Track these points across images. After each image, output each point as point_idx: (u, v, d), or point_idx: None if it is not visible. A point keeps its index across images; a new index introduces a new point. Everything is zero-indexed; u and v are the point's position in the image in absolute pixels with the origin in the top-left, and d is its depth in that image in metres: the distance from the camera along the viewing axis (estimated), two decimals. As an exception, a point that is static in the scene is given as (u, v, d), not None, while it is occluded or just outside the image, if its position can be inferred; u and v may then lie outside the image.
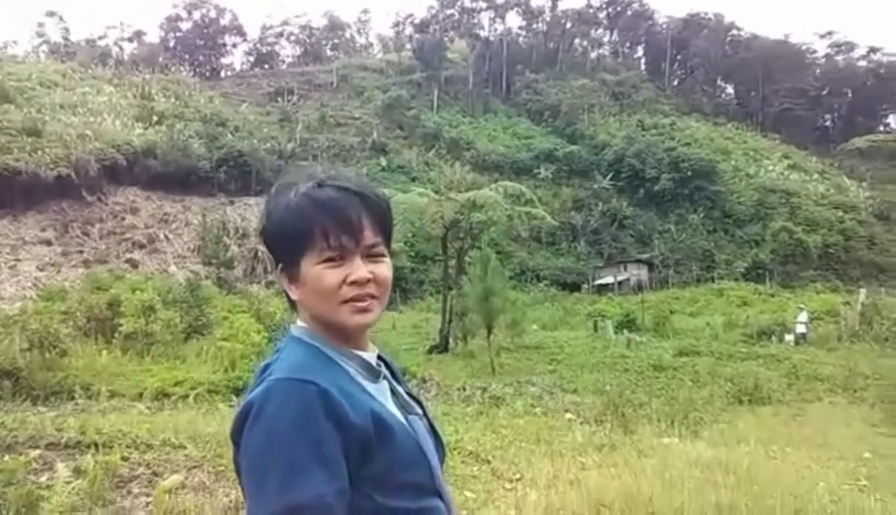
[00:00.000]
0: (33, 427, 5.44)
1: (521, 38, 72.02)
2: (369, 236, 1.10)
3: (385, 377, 1.19)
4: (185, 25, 65.85)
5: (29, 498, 3.85)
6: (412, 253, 33.00)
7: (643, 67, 76.58)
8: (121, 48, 62.75)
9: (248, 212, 32.38)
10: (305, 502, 0.93)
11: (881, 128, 68.12)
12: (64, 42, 59.76)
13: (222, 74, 65.55)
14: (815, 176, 51.36)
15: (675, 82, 73.02)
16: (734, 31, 74.67)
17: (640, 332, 21.57)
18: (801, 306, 22.65)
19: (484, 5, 71.04)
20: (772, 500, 4.39)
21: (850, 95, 68.95)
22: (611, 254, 40.89)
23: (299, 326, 1.15)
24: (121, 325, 13.18)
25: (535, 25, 73.31)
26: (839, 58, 71.39)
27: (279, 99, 50.98)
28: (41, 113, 31.97)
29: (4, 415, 6.20)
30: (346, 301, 1.08)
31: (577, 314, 27.82)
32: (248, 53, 71.70)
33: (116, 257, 27.19)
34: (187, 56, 64.77)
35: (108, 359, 12.01)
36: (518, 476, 5.56)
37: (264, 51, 71.91)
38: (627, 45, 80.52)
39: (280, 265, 1.13)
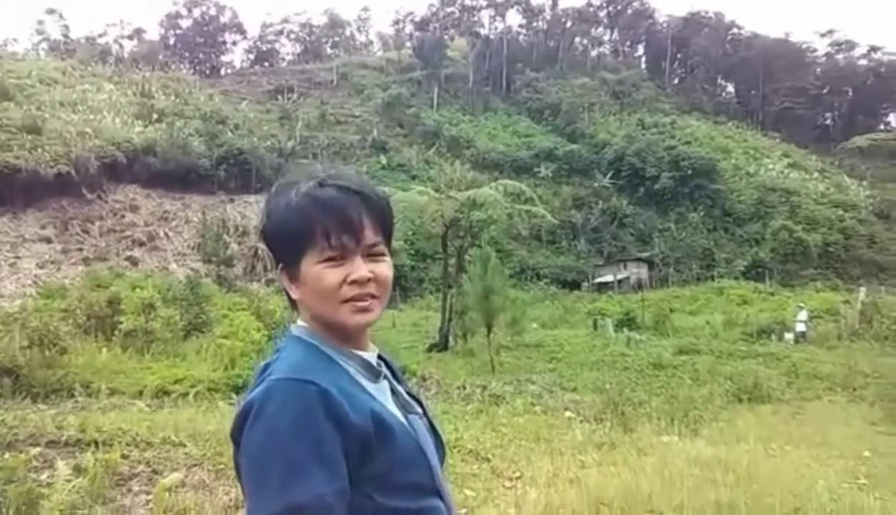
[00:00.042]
0: (33, 425, 5.44)
1: (521, 37, 71.95)
2: (370, 236, 1.10)
3: (385, 377, 1.19)
4: (186, 23, 65.83)
5: (29, 496, 3.85)
6: (412, 251, 33.00)
7: (643, 65, 76.52)
8: (121, 46, 62.65)
9: (248, 210, 32.38)
10: (305, 502, 0.93)
11: (881, 127, 68.06)
12: (64, 39, 59.66)
13: (222, 71, 65.50)
14: (816, 175, 51.34)
15: (676, 81, 72.97)
16: (735, 30, 74.60)
17: (639, 330, 21.57)
18: (801, 304, 22.66)
19: (484, 3, 70.97)
20: (771, 498, 4.40)
21: (850, 93, 68.91)
22: (611, 252, 40.89)
23: (299, 325, 1.15)
24: (121, 322, 13.17)
25: (535, 24, 73.23)
26: (840, 57, 71.35)
27: (279, 97, 50.92)
28: (41, 110, 31.91)
29: (4, 413, 6.20)
30: (346, 301, 1.08)
31: (576, 313, 27.82)
32: (248, 51, 71.70)
33: (116, 255, 27.19)
34: (187, 54, 64.74)
35: (108, 357, 12.01)
36: (518, 474, 5.56)
37: (264, 49, 71.84)
38: (628, 43, 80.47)
39: (280, 265, 1.13)
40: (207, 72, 62.46)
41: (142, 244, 28.65)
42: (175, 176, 32.21)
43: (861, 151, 54.61)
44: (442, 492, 1.14)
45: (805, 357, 16.62)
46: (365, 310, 1.10)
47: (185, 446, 5.26)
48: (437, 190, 21.62)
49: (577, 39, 73.77)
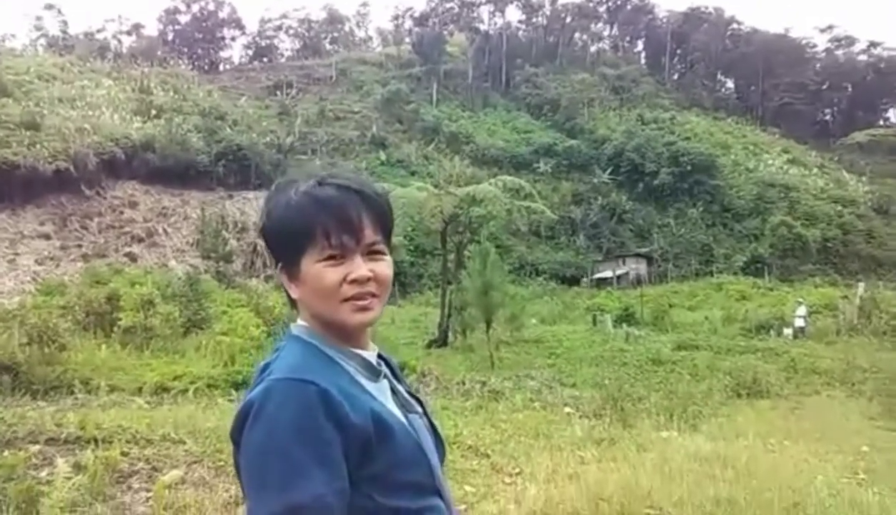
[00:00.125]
0: (33, 422, 5.44)
1: (520, 32, 71.81)
2: (370, 235, 1.10)
3: (385, 376, 1.19)
4: (184, 19, 65.56)
5: (29, 494, 3.85)
6: (411, 247, 32.98)
7: (643, 61, 76.36)
8: (119, 41, 62.44)
9: (247, 206, 32.33)
10: (305, 502, 0.93)
11: (881, 122, 68.01)
12: (62, 35, 59.45)
13: (221, 67, 65.26)
14: (815, 170, 51.29)
15: (675, 77, 72.83)
16: (734, 26, 74.48)
17: (638, 326, 21.60)
18: (800, 299, 22.70)
19: (483, -1, 70.87)
20: (770, 493, 4.41)
21: (850, 89, 68.79)
22: (610, 248, 40.90)
23: (299, 325, 1.15)
24: (120, 319, 13.16)
25: (534, 19, 73.07)
26: (839, 52, 71.21)
27: (278, 93, 50.81)
28: (39, 107, 31.81)
29: (4, 410, 6.21)
30: (346, 300, 1.08)
31: (576, 308, 27.85)
32: (247, 47, 71.48)
33: (115, 251, 27.16)
34: (186, 49, 64.49)
35: (108, 353, 12.00)
36: (517, 470, 5.57)
37: (263, 44, 71.63)
38: (627, 39, 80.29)
39: (280, 264, 1.13)
40: (206, 68, 62.26)
41: (141, 241, 28.63)
42: (174, 172, 32.15)
43: (860, 147, 54.58)
44: (442, 491, 1.14)
45: (804, 353, 16.65)
46: (365, 309, 1.09)
47: (184, 443, 5.27)
48: (436, 186, 21.61)
49: (577, 35, 73.60)
